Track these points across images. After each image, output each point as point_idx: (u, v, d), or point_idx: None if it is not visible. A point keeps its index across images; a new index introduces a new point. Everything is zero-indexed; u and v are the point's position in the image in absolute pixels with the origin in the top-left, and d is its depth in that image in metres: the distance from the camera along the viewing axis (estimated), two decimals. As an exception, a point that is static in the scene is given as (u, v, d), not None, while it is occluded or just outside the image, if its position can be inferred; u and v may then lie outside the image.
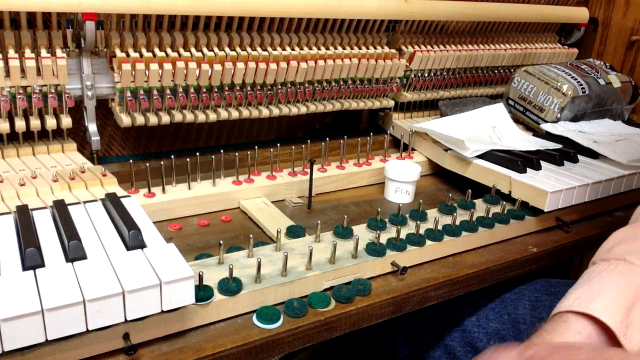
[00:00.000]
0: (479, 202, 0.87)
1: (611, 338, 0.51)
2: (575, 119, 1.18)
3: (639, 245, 0.59)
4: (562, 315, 0.53)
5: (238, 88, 0.94)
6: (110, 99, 0.88)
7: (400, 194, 0.92)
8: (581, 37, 1.42)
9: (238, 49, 0.91)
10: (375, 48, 1.07)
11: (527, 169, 0.90)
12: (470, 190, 0.86)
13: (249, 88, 0.95)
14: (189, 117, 0.90)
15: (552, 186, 0.83)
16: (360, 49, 1.05)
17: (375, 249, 0.68)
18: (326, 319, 0.60)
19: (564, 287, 0.60)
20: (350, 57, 1.02)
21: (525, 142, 1.05)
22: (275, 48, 0.96)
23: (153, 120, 0.87)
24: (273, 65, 0.93)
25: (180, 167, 0.84)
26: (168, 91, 0.88)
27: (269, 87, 0.97)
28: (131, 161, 0.81)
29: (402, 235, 0.72)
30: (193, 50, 0.88)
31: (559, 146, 1.04)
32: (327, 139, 0.99)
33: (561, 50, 1.39)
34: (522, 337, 0.82)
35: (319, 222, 0.71)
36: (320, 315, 0.60)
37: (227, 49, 0.91)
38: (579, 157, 0.99)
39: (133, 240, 0.54)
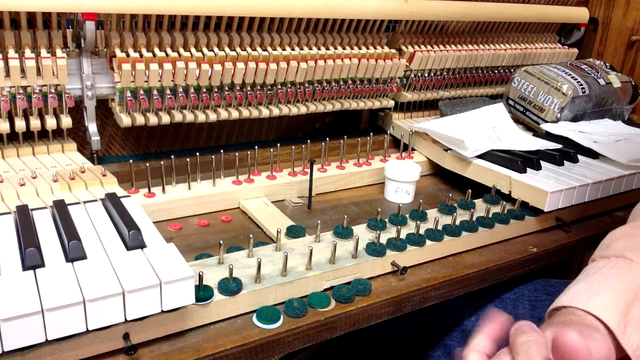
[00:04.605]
0: (479, 202, 0.87)
1: (611, 335, 0.51)
2: (575, 119, 1.18)
3: (639, 243, 0.59)
4: (569, 309, 0.53)
5: (238, 88, 0.94)
6: (110, 99, 0.88)
7: (400, 194, 0.92)
8: (581, 37, 1.42)
9: (238, 49, 0.91)
10: (375, 48, 1.07)
11: (527, 169, 0.90)
12: (470, 190, 0.86)
13: (249, 88, 0.95)
14: (189, 117, 0.90)
15: (552, 186, 0.83)
16: (360, 49, 1.05)
17: (375, 249, 0.68)
18: (326, 319, 0.60)
19: (564, 287, 0.60)
20: (350, 57, 1.02)
21: (525, 142, 1.05)
22: (275, 48, 0.96)
23: (153, 120, 0.87)
24: (273, 65, 0.93)
25: (180, 167, 0.84)
26: (168, 91, 0.88)
27: (269, 87, 0.97)
28: (131, 161, 0.81)
29: (402, 235, 0.72)
30: (193, 50, 0.88)
31: (559, 146, 1.04)
32: (327, 139, 0.99)
33: (561, 50, 1.39)
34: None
35: (319, 222, 0.71)
36: (320, 315, 0.60)
37: (227, 49, 0.91)
38: (579, 157, 0.99)
39: (133, 240, 0.54)
